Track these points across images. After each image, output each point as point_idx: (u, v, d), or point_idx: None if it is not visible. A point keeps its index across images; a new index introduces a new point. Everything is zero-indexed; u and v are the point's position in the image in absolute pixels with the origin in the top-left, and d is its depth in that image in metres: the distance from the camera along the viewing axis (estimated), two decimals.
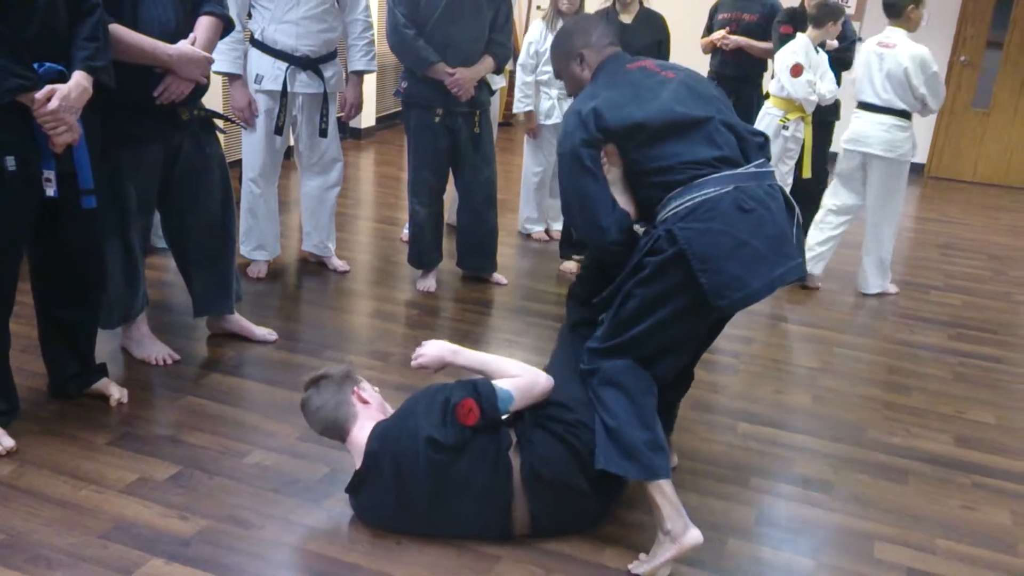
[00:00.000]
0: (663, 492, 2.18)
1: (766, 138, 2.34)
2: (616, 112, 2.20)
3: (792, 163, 5.02)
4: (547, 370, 2.46)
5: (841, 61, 5.11)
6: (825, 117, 5.20)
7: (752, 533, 2.44)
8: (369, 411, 2.33)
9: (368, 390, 2.40)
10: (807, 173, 4.95)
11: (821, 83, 4.76)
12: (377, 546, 2.23)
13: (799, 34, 4.81)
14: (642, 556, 2.23)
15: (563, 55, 2.47)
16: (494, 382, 2.27)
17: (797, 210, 2.28)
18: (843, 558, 2.35)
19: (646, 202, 2.27)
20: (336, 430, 2.31)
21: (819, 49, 4.77)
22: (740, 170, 2.19)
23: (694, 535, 2.14)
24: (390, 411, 2.39)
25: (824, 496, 2.65)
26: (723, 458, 2.83)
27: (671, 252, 2.13)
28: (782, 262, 2.17)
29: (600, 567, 2.23)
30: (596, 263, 2.54)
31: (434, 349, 2.39)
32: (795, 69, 4.67)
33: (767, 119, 4.91)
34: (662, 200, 2.21)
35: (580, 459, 2.25)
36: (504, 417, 2.29)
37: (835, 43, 5.02)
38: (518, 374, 2.30)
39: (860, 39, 5.13)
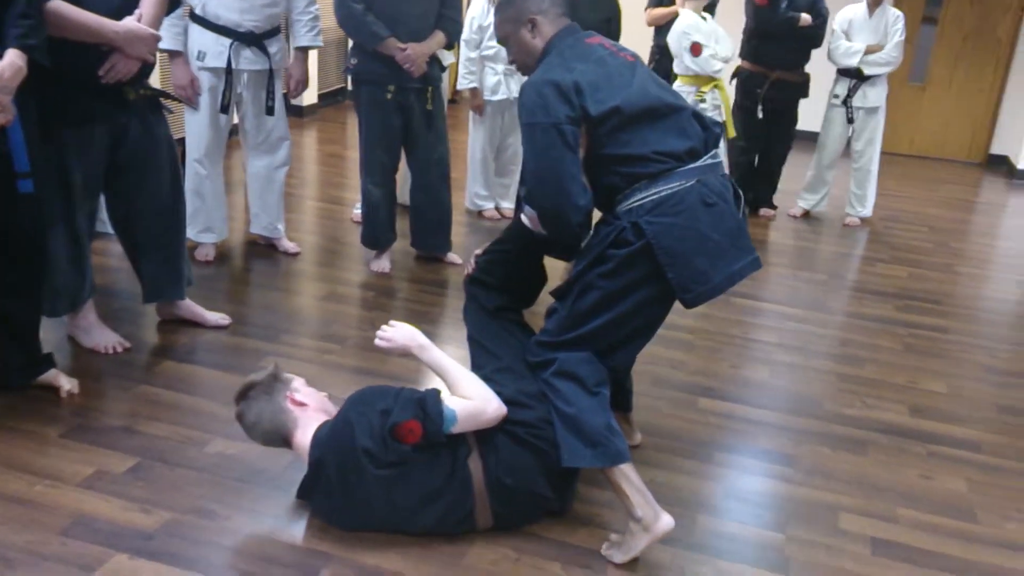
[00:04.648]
0: (627, 478, 2.16)
1: (723, 128, 2.33)
2: (595, 94, 2.11)
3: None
4: (477, 360, 2.40)
5: (814, 37, 5.20)
6: (794, 95, 5.32)
7: (719, 508, 2.46)
8: (308, 413, 2.22)
9: (302, 390, 2.28)
10: (732, 133, 5.03)
11: (718, 47, 4.85)
12: (348, 534, 2.18)
13: (680, 9, 4.92)
14: (613, 537, 2.23)
15: (511, 19, 2.29)
16: (443, 398, 2.13)
17: (743, 199, 2.29)
18: (809, 530, 2.39)
19: (606, 190, 2.22)
20: (279, 439, 2.22)
21: (706, 16, 4.88)
22: (700, 162, 2.18)
23: (666, 521, 2.12)
24: (332, 408, 2.27)
25: (787, 469, 2.69)
26: (685, 434, 2.85)
27: (638, 245, 2.12)
28: (740, 256, 2.19)
29: (572, 547, 2.22)
30: (510, 248, 2.49)
31: (402, 337, 2.24)
32: (695, 49, 4.80)
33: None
34: (623, 191, 2.18)
35: (546, 461, 2.19)
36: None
37: (808, 19, 5.09)
38: (470, 396, 2.14)
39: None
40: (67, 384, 2.72)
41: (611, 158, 2.17)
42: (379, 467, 2.09)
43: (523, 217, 2.41)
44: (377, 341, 2.28)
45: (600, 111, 2.11)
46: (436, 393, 2.15)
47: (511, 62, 2.40)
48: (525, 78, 2.28)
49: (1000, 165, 7.83)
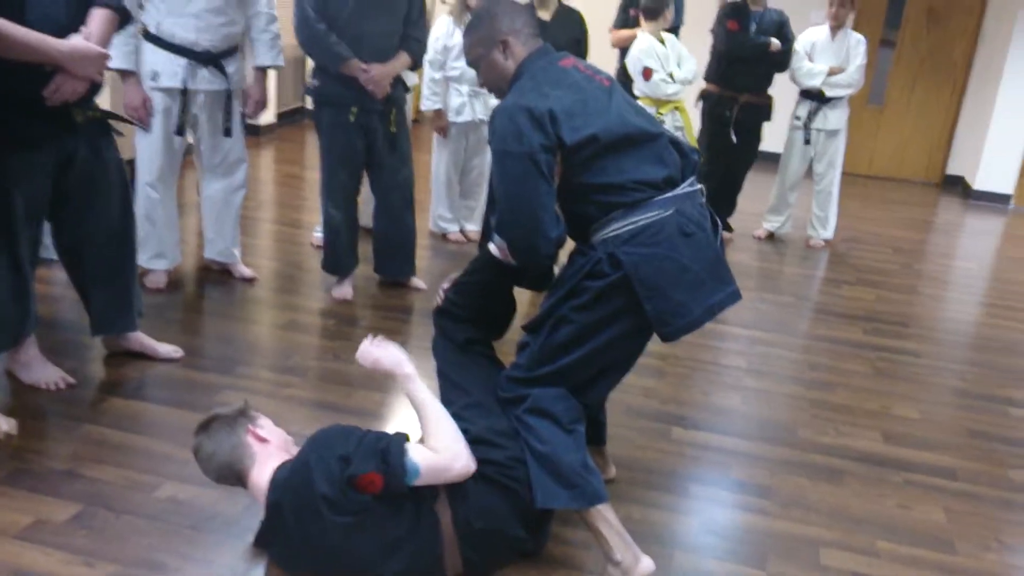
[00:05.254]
0: (605, 519, 2.07)
1: (700, 155, 2.27)
2: (570, 121, 2.02)
3: None
4: (446, 396, 2.29)
5: (782, 63, 5.23)
6: (760, 117, 5.32)
7: (697, 545, 2.38)
8: (269, 450, 2.08)
9: (267, 427, 2.15)
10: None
11: (679, 70, 4.86)
12: None
13: (639, 32, 4.93)
14: None
15: (483, 40, 2.19)
16: (407, 448, 1.98)
17: (720, 227, 2.23)
18: (790, 566, 2.31)
19: (580, 219, 2.13)
20: (233, 476, 2.08)
21: (664, 39, 4.89)
22: (678, 191, 2.11)
23: (645, 565, 2.03)
24: (295, 450, 2.12)
25: (764, 501, 2.61)
26: (659, 466, 2.76)
27: (615, 277, 2.03)
28: (720, 288, 2.12)
29: None
30: (479, 279, 2.40)
31: (389, 361, 2.13)
32: (646, 73, 4.83)
33: None
34: (598, 220, 2.10)
35: (518, 501, 2.08)
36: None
37: (779, 44, 5.11)
38: (439, 448, 1.99)
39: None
40: (4, 425, 2.55)
41: (586, 187, 2.08)
42: (338, 514, 1.95)
43: (492, 246, 2.31)
44: (359, 355, 2.17)
45: (576, 139, 2.02)
46: (401, 441, 2.00)
47: (481, 85, 2.31)
48: (493, 99, 2.20)
49: (955, 185, 7.93)
